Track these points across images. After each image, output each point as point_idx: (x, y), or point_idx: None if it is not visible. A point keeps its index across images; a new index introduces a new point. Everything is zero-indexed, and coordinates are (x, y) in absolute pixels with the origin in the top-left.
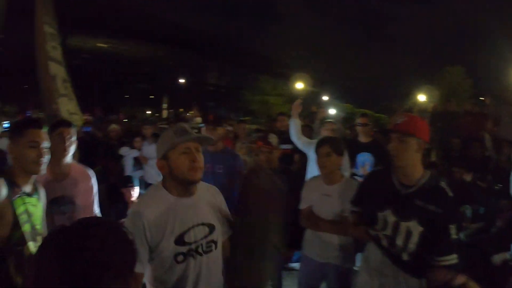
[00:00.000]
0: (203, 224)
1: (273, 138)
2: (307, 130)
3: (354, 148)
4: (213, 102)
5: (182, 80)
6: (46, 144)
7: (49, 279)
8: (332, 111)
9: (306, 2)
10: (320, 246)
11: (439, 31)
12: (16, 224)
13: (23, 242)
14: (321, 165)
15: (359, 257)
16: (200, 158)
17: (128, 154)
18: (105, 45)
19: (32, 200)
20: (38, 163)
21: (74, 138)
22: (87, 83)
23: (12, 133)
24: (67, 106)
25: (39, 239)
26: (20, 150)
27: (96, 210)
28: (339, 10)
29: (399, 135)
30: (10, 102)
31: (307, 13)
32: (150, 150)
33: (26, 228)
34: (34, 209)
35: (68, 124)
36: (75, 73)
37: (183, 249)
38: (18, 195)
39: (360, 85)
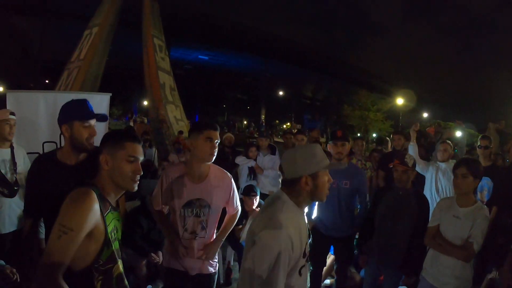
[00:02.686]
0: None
1: (410, 159)
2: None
3: None
4: (309, 115)
5: (279, 92)
6: (142, 159)
7: None
8: (458, 133)
9: (406, 14)
10: (439, 270)
11: None
12: (107, 242)
13: (112, 260)
14: (456, 186)
15: None
16: None
17: (243, 163)
18: (206, 57)
19: (117, 214)
20: (134, 180)
21: (218, 142)
22: (189, 93)
23: (109, 144)
24: (174, 112)
25: (120, 254)
26: (118, 163)
27: (236, 207)
28: (441, 21)
29: None
30: (116, 105)
31: (408, 26)
32: (265, 161)
33: (115, 245)
34: (118, 224)
35: (215, 127)
36: (177, 82)
37: (303, 262)
38: (108, 211)
39: (465, 104)
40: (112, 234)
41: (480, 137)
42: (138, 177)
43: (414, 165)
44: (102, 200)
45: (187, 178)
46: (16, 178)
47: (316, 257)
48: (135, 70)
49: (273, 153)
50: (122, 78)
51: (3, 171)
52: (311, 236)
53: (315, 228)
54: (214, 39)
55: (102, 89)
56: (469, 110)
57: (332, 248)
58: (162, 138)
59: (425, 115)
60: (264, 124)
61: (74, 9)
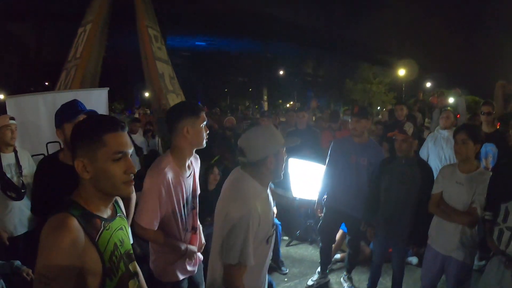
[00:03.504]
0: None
1: (409, 127)
2: (412, 120)
3: None
4: (312, 92)
5: (280, 72)
6: (131, 151)
7: None
8: (451, 100)
9: None
10: (444, 237)
11: None
12: (107, 272)
13: (123, 286)
14: (456, 152)
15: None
16: None
17: None
18: (203, 43)
19: (116, 222)
20: (128, 182)
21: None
22: (189, 80)
23: (83, 143)
24: (176, 101)
25: (135, 263)
26: (101, 166)
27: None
28: None
29: None
30: (118, 100)
31: None
32: None
33: (122, 267)
34: (123, 234)
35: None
36: (176, 71)
37: (272, 231)
38: (102, 230)
39: (469, 70)
40: (114, 257)
41: (482, 103)
42: (132, 176)
43: (414, 133)
44: (89, 221)
45: (181, 173)
46: (22, 181)
47: (326, 234)
48: (134, 62)
49: None
50: (121, 72)
51: (9, 175)
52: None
53: (327, 205)
54: (210, 24)
55: (102, 85)
56: (474, 77)
57: (343, 224)
58: (166, 127)
59: (428, 84)
60: (262, 105)
61: (69, 11)
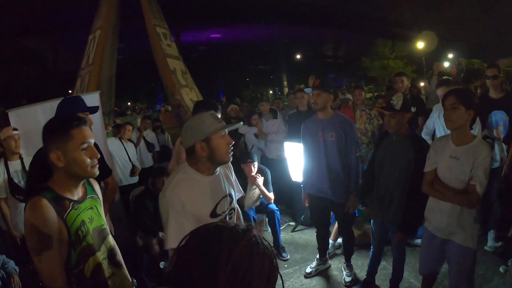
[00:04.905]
0: (227, 195)
1: (398, 100)
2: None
3: (485, 106)
4: (333, 74)
5: (299, 56)
6: (93, 141)
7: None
8: (446, 64)
9: None
10: (442, 219)
11: None
12: (72, 244)
13: (84, 260)
14: (446, 119)
15: (490, 236)
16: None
17: (247, 131)
18: (218, 35)
19: (87, 203)
20: (94, 166)
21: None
22: (209, 73)
23: (54, 138)
24: (189, 95)
25: (110, 237)
26: (72, 156)
27: None
28: None
29: None
30: (141, 100)
31: None
32: (268, 126)
33: (88, 240)
34: (93, 212)
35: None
36: (195, 65)
37: (216, 220)
38: (69, 210)
39: (490, 39)
40: (80, 232)
41: (487, 66)
42: (96, 161)
43: (404, 106)
44: (59, 202)
45: None
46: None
47: (317, 220)
48: (151, 61)
49: (275, 117)
50: (142, 72)
51: (16, 181)
52: (232, 196)
53: (307, 192)
54: (223, 15)
55: (121, 88)
56: (497, 46)
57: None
58: (182, 122)
59: (450, 55)
60: (283, 91)
61: (81, 20)
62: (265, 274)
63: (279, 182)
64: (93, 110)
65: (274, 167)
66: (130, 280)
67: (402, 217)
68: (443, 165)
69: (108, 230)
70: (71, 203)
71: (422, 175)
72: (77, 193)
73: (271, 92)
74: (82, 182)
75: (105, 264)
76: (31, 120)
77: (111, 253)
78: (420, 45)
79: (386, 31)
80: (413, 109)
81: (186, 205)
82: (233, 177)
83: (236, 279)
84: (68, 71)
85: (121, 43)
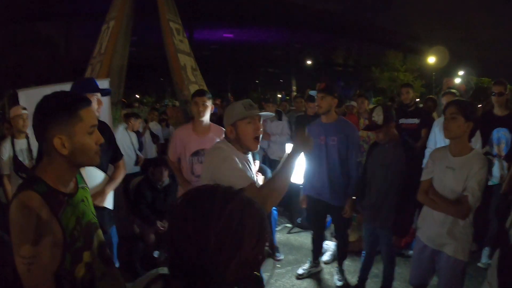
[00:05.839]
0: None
1: (378, 115)
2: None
3: (489, 123)
4: (343, 82)
5: (309, 62)
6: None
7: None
8: (457, 80)
9: None
10: (434, 229)
11: None
12: (67, 246)
13: (76, 261)
14: (445, 128)
15: (485, 253)
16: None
17: None
18: (231, 35)
19: (78, 195)
20: (98, 152)
21: (208, 103)
22: (219, 72)
23: (60, 119)
24: None
25: (99, 231)
26: (79, 140)
27: None
28: None
29: None
30: (149, 93)
31: None
32: (273, 127)
33: (82, 239)
34: (84, 205)
35: (200, 93)
36: (206, 63)
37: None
38: (64, 206)
39: (502, 58)
40: (76, 231)
41: (493, 82)
42: (99, 146)
43: (386, 118)
44: (52, 197)
45: (194, 133)
46: (34, 163)
47: (313, 222)
48: (161, 56)
49: (280, 119)
50: (151, 66)
51: (20, 159)
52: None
53: (306, 194)
54: (237, 16)
55: (131, 80)
56: (508, 65)
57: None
58: (188, 118)
59: (461, 72)
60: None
61: (95, 9)
62: (256, 233)
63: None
64: (106, 92)
65: (276, 167)
66: (121, 279)
67: (394, 218)
68: (439, 175)
69: (97, 223)
70: (66, 198)
71: (414, 178)
72: (70, 185)
73: (279, 96)
74: (77, 173)
75: (96, 263)
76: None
77: (101, 249)
78: (431, 59)
79: (398, 43)
80: (416, 121)
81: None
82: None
83: (227, 235)
84: (79, 59)
85: (134, 36)
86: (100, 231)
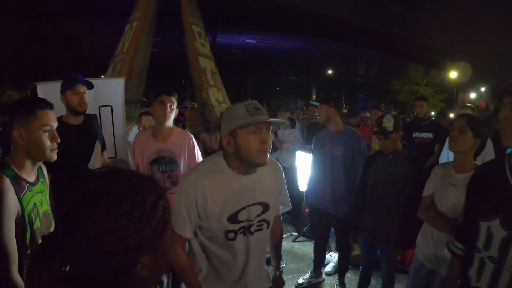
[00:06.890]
0: (258, 203)
1: (389, 121)
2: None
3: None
4: (363, 93)
5: (330, 71)
6: (56, 126)
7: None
8: (473, 95)
9: None
10: (431, 249)
11: None
12: (26, 226)
13: (34, 241)
14: (451, 140)
15: None
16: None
17: None
18: (253, 41)
19: (38, 186)
20: (53, 150)
21: (175, 105)
22: (240, 77)
23: (20, 115)
24: (216, 95)
25: (53, 223)
26: (33, 135)
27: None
28: None
29: None
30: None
31: None
32: (285, 134)
33: (38, 223)
34: (42, 196)
35: (168, 92)
36: (228, 67)
37: (235, 226)
38: (25, 191)
39: None
40: (33, 214)
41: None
42: (55, 145)
43: (395, 127)
44: (17, 181)
45: (152, 139)
46: None
47: (315, 233)
48: (183, 58)
49: (293, 127)
50: (172, 67)
51: None
52: (268, 207)
53: (309, 203)
54: (260, 22)
55: (151, 81)
56: None
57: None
58: (205, 121)
59: (483, 89)
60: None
61: (119, 8)
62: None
63: (289, 191)
64: (90, 85)
65: (286, 175)
66: None
67: (398, 230)
68: (440, 191)
69: (52, 216)
70: (27, 185)
71: (419, 197)
72: (32, 175)
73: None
74: (38, 165)
75: None
76: (57, 95)
77: None
78: (453, 74)
79: (420, 56)
80: (430, 135)
81: (206, 196)
82: (283, 187)
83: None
84: (102, 56)
85: (157, 37)
86: (53, 223)
